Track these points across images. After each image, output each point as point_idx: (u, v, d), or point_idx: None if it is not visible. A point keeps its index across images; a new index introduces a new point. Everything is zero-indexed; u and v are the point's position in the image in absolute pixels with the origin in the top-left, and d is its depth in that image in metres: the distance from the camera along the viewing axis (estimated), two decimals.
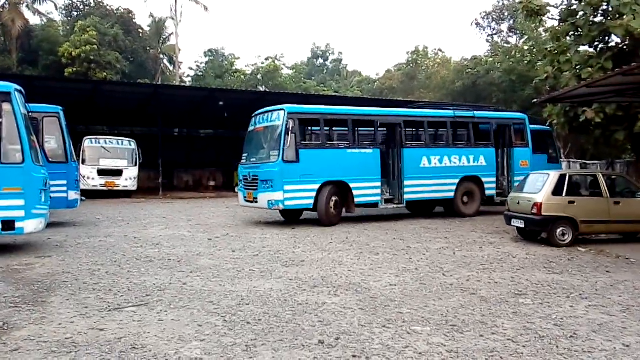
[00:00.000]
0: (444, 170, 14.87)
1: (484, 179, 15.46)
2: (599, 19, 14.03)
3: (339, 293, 6.49)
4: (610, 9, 13.37)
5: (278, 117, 12.94)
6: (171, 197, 24.88)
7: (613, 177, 12.27)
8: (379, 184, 13.91)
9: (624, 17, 12.25)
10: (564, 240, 10.25)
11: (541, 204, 10.27)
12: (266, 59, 51.26)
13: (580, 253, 9.65)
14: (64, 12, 44.59)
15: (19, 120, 8.85)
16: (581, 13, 14.09)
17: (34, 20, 40.26)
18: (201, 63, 52.98)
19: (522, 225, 10.79)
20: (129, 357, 4.38)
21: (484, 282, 7.19)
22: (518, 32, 39.40)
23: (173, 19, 44.35)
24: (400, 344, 4.72)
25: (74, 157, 14.03)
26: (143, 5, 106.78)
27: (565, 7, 14.80)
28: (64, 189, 12.87)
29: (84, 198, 14.94)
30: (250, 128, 14.26)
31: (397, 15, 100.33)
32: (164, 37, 47.75)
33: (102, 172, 23.42)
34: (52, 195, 10.66)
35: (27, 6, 38.75)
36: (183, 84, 44.04)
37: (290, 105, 13.34)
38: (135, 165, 24.45)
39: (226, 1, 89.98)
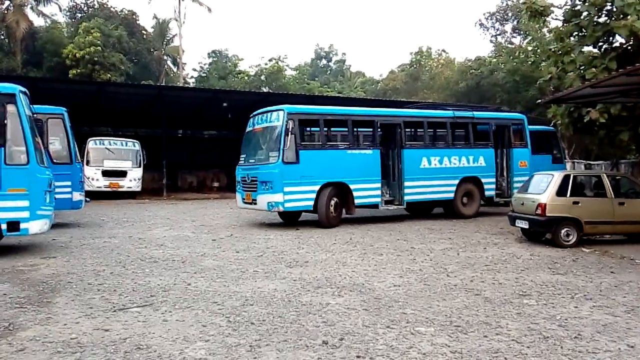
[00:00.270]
0: (444, 171, 14.82)
1: (483, 180, 15.40)
2: (603, 19, 13.99)
3: (342, 294, 6.49)
4: (614, 9, 13.33)
5: (277, 117, 12.82)
6: (175, 198, 24.94)
7: (617, 177, 12.25)
8: (379, 185, 13.84)
9: (628, 17, 12.22)
10: (568, 241, 10.23)
11: (545, 204, 10.25)
12: (270, 60, 51.38)
13: (584, 254, 9.63)
14: (67, 13, 44.82)
15: (24, 121, 8.89)
16: (585, 13, 14.05)
17: (38, 22, 40.52)
18: (205, 64, 53.23)
19: (526, 226, 10.78)
20: (134, 357, 4.40)
21: (488, 282, 7.19)
22: (522, 32, 39.39)
23: (177, 20, 44.43)
24: (404, 344, 4.72)
25: (78, 158, 14.09)
26: (147, 7, 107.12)
27: (569, 7, 14.76)
28: (69, 190, 12.91)
29: (88, 199, 14.99)
30: (249, 128, 14.11)
31: (400, 16, 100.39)
32: (168, 38, 47.87)
33: (106, 173, 23.48)
34: (57, 196, 10.71)
35: (31, 8, 38.91)
36: (187, 85, 44.14)
37: (290, 105, 13.25)
38: (140, 166, 24.50)
39: (230, 2, 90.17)
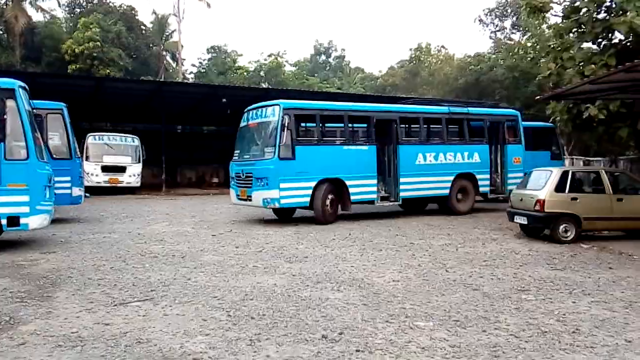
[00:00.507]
0: (440, 167, 14.76)
1: (478, 176, 15.35)
2: (602, 15, 13.97)
3: (342, 289, 6.52)
4: (614, 6, 13.33)
5: (273, 112, 12.64)
6: (174, 194, 24.96)
7: (616, 173, 12.27)
8: (375, 181, 13.74)
9: (628, 13, 12.22)
10: (566, 237, 10.26)
11: (544, 200, 10.28)
12: (269, 56, 51.36)
13: (582, 249, 9.67)
14: (66, 9, 44.71)
15: (23, 116, 8.90)
16: (584, 10, 14.04)
17: (36, 17, 40.38)
18: (204, 60, 53.19)
19: (525, 222, 10.81)
20: (135, 351, 4.42)
21: (487, 278, 7.22)
22: (521, 28, 39.35)
23: (176, 15, 44.43)
24: (403, 338, 4.75)
25: (78, 153, 14.09)
26: (145, 2, 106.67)
27: (568, 3, 14.74)
28: (68, 185, 12.92)
29: (87, 194, 15.02)
30: (243, 124, 13.89)
31: (400, 12, 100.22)
32: (167, 33, 47.74)
33: (105, 169, 23.50)
34: (56, 191, 10.71)
35: (30, 3, 38.80)
36: (186, 81, 44.07)
37: (285, 100, 13.09)
38: (139, 161, 24.51)
39: None
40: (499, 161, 16.11)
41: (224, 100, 25.89)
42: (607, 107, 13.53)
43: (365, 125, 14.58)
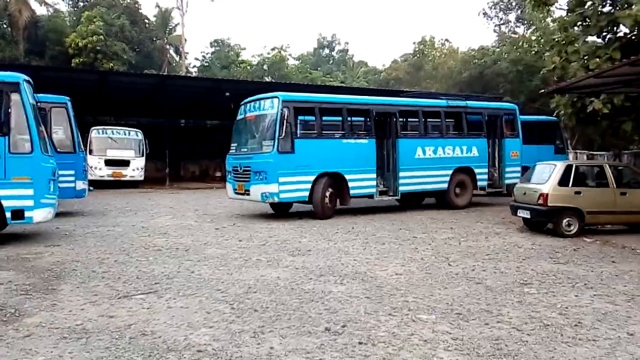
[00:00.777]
0: (439, 162, 14.64)
1: (476, 170, 15.26)
2: (607, 8, 13.93)
3: (345, 282, 6.54)
4: None
5: (272, 105, 12.40)
6: (178, 188, 25.02)
7: (620, 167, 12.24)
8: (374, 175, 13.60)
9: (633, 7, 12.19)
10: (569, 231, 10.26)
11: (547, 194, 10.27)
12: (272, 50, 51.30)
13: (585, 243, 9.66)
14: (70, 2, 44.68)
15: (28, 110, 8.92)
16: (589, 3, 14.00)
17: (40, 10, 40.32)
18: (207, 53, 53.13)
19: (528, 216, 10.80)
20: (139, 343, 4.46)
21: (490, 271, 7.23)
22: (525, 22, 39.22)
23: (179, 9, 44.42)
24: (405, 331, 4.77)
25: (82, 147, 14.13)
26: None
27: None
28: (72, 179, 12.95)
29: (91, 188, 15.05)
30: (240, 116, 13.59)
31: (403, 5, 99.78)
32: (170, 27, 47.66)
33: (109, 163, 23.55)
34: (60, 185, 10.75)
35: None
36: (189, 75, 44.06)
37: (284, 92, 12.89)
38: (142, 155, 24.57)
39: None
40: (496, 155, 16.04)
41: (228, 94, 25.85)
42: (611, 101, 13.51)
43: (364, 118, 14.46)
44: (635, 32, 13.36)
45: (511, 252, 8.71)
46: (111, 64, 35.92)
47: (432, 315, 5.25)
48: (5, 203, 8.76)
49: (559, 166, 10.70)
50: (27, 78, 9.33)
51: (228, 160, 13.77)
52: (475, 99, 17.68)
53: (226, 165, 13.92)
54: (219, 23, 77.22)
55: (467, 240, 9.84)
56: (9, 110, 8.82)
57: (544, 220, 10.74)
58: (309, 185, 12.55)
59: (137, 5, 44.95)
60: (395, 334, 4.70)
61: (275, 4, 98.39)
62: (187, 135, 33.83)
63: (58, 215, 10.69)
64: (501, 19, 43.57)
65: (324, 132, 13.47)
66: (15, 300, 5.69)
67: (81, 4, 44.19)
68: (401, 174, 13.99)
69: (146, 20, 46.02)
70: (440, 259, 8.01)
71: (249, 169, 12.60)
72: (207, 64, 51.33)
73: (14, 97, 8.88)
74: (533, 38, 32.01)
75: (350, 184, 13.11)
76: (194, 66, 52.32)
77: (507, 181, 15.87)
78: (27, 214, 8.89)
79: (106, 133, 24.64)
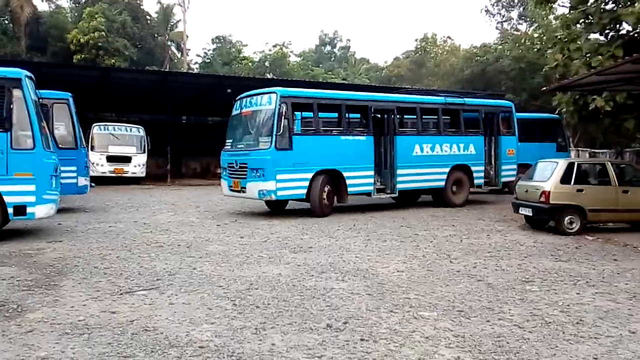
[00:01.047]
0: (436, 159, 14.53)
1: (473, 168, 15.16)
2: (609, 6, 13.89)
3: (346, 279, 6.55)
4: None
5: (269, 100, 12.15)
6: (179, 184, 25.05)
7: (622, 165, 12.24)
8: (372, 172, 13.43)
9: (636, 4, 12.15)
10: (571, 229, 10.25)
11: (549, 192, 10.26)
12: (274, 46, 51.23)
13: (587, 241, 9.66)
14: None
15: (30, 106, 8.92)
16: (592, 0, 13.96)
17: (42, 6, 40.50)
18: (209, 50, 53.12)
19: (530, 214, 10.80)
20: (141, 338, 4.46)
21: (491, 269, 7.23)
22: (528, 19, 39.14)
23: (181, 5, 44.42)
24: (407, 328, 4.77)
25: (84, 143, 14.13)
26: None
27: None
28: (74, 175, 12.96)
29: (93, 184, 15.08)
30: (236, 112, 13.33)
31: (405, 2, 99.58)
32: (172, 23, 47.61)
33: (111, 159, 23.57)
34: (62, 181, 10.76)
35: None
36: (191, 71, 44.05)
37: (282, 88, 12.67)
38: (144, 152, 24.58)
39: None
40: (492, 153, 15.97)
41: (229, 90, 25.81)
42: (613, 99, 13.49)
43: (362, 115, 14.34)
44: (637, 30, 13.32)
45: (513, 249, 8.71)
46: (113, 61, 35.92)
47: (433, 312, 5.26)
48: (7, 199, 8.77)
49: (561, 164, 10.68)
50: (29, 74, 9.33)
51: (223, 157, 13.51)
52: (473, 97, 17.62)
53: (221, 162, 13.70)
54: (221, 20, 77.25)
55: (469, 237, 9.84)
56: (11, 106, 8.82)
57: (545, 218, 10.73)
58: (306, 183, 12.36)
59: (138, 2, 44.94)
60: (396, 330, 4.71)
61: (277, 1, 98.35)
62: (189, 131, 33.80)
63: (60, 211, 10.71)
64: (503, 16, 43.58)
65: (322, 128, 13.34)
66: (18, 295, 5.70)
67: (83, 0, 44.16)
68: (399, 171, 13.85)
69: (148, 17, 45.99)
70: (441, 256, 8.02)
71: (245, 165, 12.38)
72: (208, 61, 51.32)
73: (16, 93, 8.88)
74: (535, 35, 31.97)
75: (348, 182, 12.92)
76: (196, 63, 52.42)
77: (503, 179, 15.86)
78: (29, 209, 8.90)
79: (108, 129, 24.64)
